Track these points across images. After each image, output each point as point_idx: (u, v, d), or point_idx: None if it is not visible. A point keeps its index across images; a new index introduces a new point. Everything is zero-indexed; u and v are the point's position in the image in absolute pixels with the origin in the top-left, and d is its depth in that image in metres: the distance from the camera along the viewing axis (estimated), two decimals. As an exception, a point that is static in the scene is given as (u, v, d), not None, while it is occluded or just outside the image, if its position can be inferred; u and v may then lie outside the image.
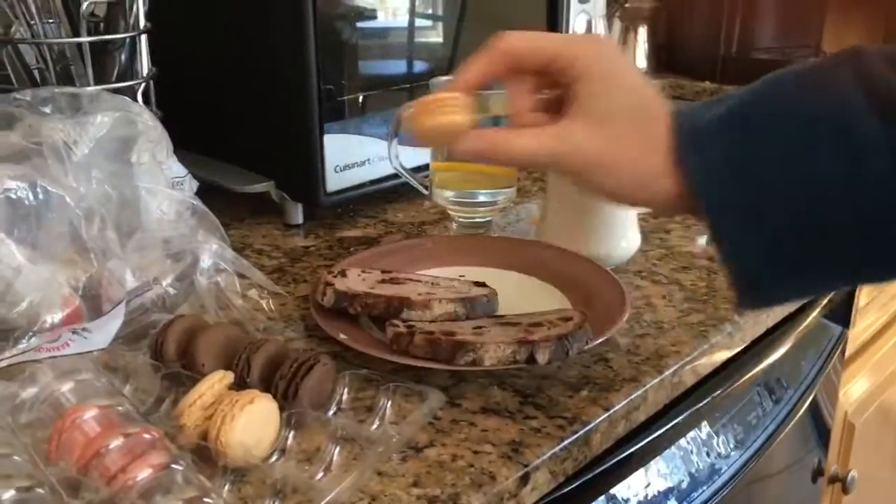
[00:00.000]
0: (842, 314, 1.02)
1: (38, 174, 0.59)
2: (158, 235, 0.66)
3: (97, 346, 0.60)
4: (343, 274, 0.67)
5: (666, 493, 0.68)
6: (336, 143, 0.84)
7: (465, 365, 0.57)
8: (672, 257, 0.81)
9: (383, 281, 0.67)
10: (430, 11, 0.96)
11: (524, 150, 0.50)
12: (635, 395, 0.59)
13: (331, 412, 0.55)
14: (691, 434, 0.71)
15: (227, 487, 0.48)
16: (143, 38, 0.78)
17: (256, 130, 0.88)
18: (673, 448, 0.69)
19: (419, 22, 0.94)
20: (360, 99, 0.87)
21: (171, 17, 0.81)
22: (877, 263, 0.46)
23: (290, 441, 0.51)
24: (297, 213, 0.88)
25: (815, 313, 0.90)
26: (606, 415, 0.57)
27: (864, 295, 1.12)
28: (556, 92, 0.52)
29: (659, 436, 0.66)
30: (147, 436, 0.47)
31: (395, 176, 0.88)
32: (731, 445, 0.76)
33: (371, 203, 0.93)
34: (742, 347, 0.72)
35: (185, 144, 0.75)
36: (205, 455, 0.49)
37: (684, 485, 0.70)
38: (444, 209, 0.88)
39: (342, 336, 0.61)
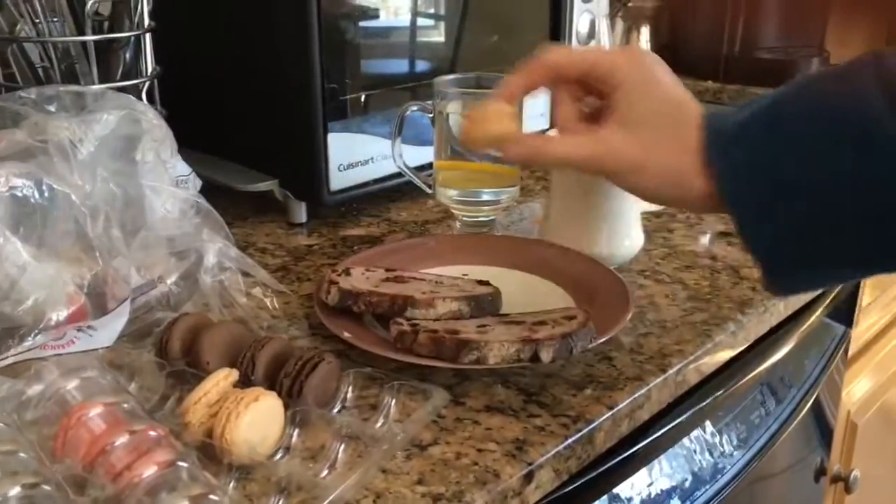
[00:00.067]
0: (845, 313, 1.02)
1: (43, 172, 0.59)
2: (163, 234, 0.66)
3: (102, 344, 0.60)
4: (347, 272, 0.67)
5: (669, 492, 0.68)
6: (339, 142, 0.84)
7: (469, 363, 0.57)
8: (675, 256, 0.81)
9: (387, 279, 0.67)
10: (432, 11, 0.96)
11: (565, 154, 0.56)
12: (639, 393, 0.59)
13: (335, 410, 0.55)
14: (694, 433, 0.71)
15: (232, 485, 0.48)
16: (148, 36, 0.78)
17: (260, 129, 0.89)
18: (676, 447, 0.69)
19: (421, 21, 0.94)
20: (363, 98, 0.87)
21: (176, 15, 0.81)
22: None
23: (294, 439, 0.52)
24: (300, 212, 0.89)
25: (818, 312, 0.90)
26: (610, 413, 0.57)
27: (867, 294, 1.12)
28: (597, 103, 0.56)
29: (662, 435, 0.66)
30: (153, 433, 0.47)
31: (399, 175, 0.88)
32: (734, 444, 0.76)
33: (374, 202, 0.93)
34: (745, 346, 0.72)
35: (189, 143, 0.75)
36: (210, 452, 0.49)
37: (687, 484, 0.70)
38: (447, 208, 0.88)
39: (346, 334, 0.61)
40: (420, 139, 0.88)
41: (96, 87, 0.72)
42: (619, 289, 0.67)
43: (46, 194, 0.59)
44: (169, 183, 0.69)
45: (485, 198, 0.85)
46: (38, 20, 0.73)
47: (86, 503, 0.44)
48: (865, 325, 1.18)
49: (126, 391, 0.53)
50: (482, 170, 0.85)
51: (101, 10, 0.76)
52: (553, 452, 0.53)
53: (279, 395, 0.52)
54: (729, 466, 0.75)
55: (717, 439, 0.74)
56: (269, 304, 0.69)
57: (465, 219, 0.87)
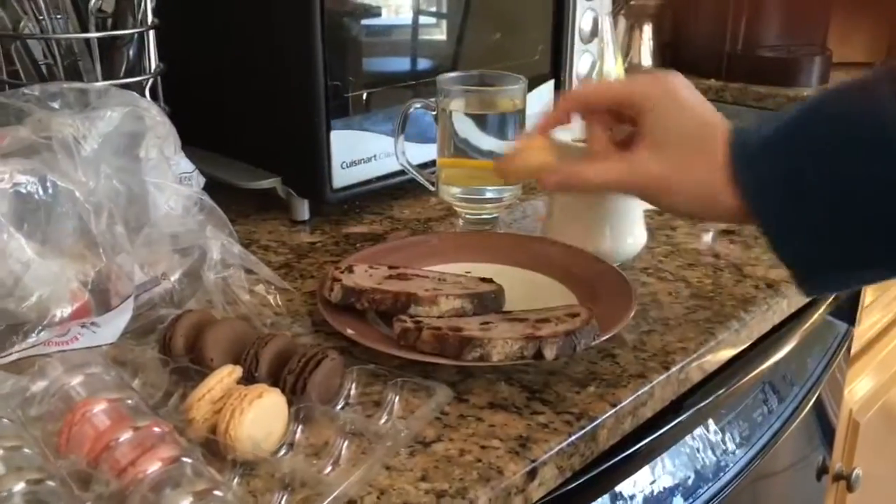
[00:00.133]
0: (847, 312, 1.02)
1: (47, 169, 0.59)
2: (166, 230, 0.66)
3: (106, 341, 0.60)
4: (350, 270, 0.67)
5: (672, 490, 0.68)
6: (342, 140, 0.84)
7: (472, 360, 0.57)
8: (678, 254, 0.81)
9: (390, 277, 0.67)
10: (434, 9, 0.96)
11: (599, 178, 0.59)
12: (642, 391, 0.59)
13: (339, 407, 0.56)
14: (697, 431, 0.71)
15: (235, 481, 0.48)
16: (151, 33, 0.78)
17: (263, 127, 0.89)
18: (679, 445, 0.69)
19: (423, 19, 0.94)
20: (366, 96, 0.87)
21: (179, 14, 0.81)
22: None
23: (298, 435, 0.52)
24: (303, 210, 0.89)
25: (820, 311, 0.90)
26: (613, 410, 0.57)
27: (870, 293, 1.12)
28: (628, 129, 0.60)
29: (665, 432, 0.66)
30: (157, 429, 0.47)
31: (402, 172, 0.88)
32: (737, 442, 0.76)
33: (377, 199, 0.93)
34: (748, 344, 0.72)
35: (192, 140, 0.75)
36: (213, 449, 0.49)
37: (690, 481, 0.70)
38: (450, 206, 0.88)
39: (350, 331, 0.61)
40: (423, 137, 0.88)
41: (100, 84, 0.72)
42: (622, 286, 0.67)
43: (50, 191, 0.59)
44: (172, 180, 0.69)
45: (488, 195, 0.85)
46: (41, 17, 0.73)
47: (90, 499, 0.44)
48: (868, 323, 1.18)
49: (130, 387, 0.53)
50: (485, 167, 0.84)
51: (105, 7, 0.76)
52: (556, 449, 0.53)
53: (283, 391, 0.52)
54: (731, 464, 0.75)
55: (719, 437, 0.74)
56: (272, 301, 0.69)
57: (467, 216, 0.87)
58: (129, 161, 0.65)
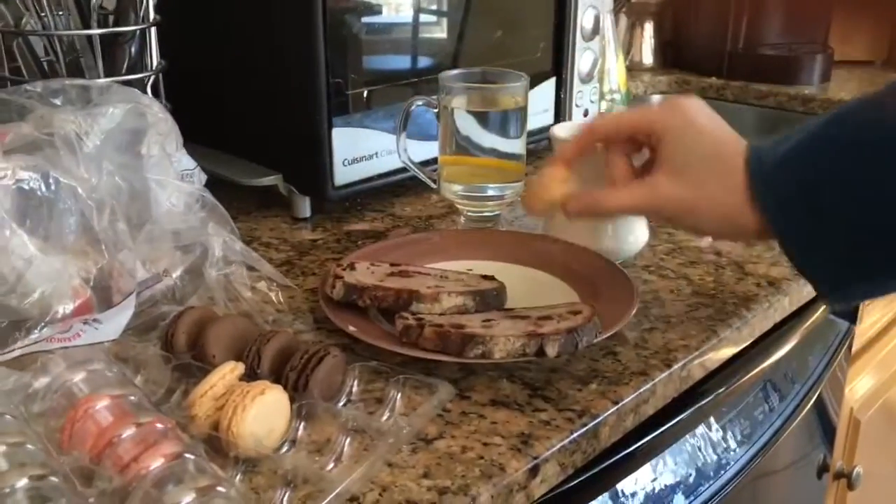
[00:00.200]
0: (848, 310, 1.01)
1: (49, 165, 0.59)
2: (168, 227, 0.67)
3: (108, 337, 0.60)
4: (352, 267, 0.67)
5: (673, 488, 0.68)
6: (344, 137, 0.84)
7: (474, 357, 0.57)
8: (680, 252, 0.81)
9: (392, 274, 0.67)
10: (435, 7, 0.96)
11: (620, 203, 0.61)
12: (644, 388, 0.59)
13: (341, 404, 0.56)
14: (698, 429, 0.71)
15: (238, 477, 0.48)
16: (153, 30, 0.78)
17: (264, 124, 0.89)
18: (680, 443, 0.69)
19: (424, 17, 0.94)
20: (367, 93, 0.87)
21: (181, 10, 0.81)
22: None
23: (300, 432, 0.52)
24: (304, 207, 0.89)
25: (822, 309, 0.90)
26: (615, 408, 0.57)
27: (870, 291, 1.12)
28: (647, 156, 0.61)
29: (666, 430, 0.66)
30: (159, 425, 0.47)
31: (403, 170, 0.88)
32: (738, 440, 0.76)
33: (379, 197, 0.93)
34: (749, 342, 0.73)
35: (194, 137, 0.75)
36: (216, 445, 0.49)
37: (691, 479, 0.70)
38: (452, 203, 0.88)
39: (352, 328, 0.61)
40: (424, 134, 0.88)
41: (102, 80, 0.72)
42: (623, 284, 0.67)
43: (52, 187, 0.59)
44: (174, 177, 0.69)
45: (489, 193, 0.85)
46: (43, 14, 0.73)
47: (93, 495, 0.44)
48: (869, 322, 1.18)
49: (132, 384, 0.53)
50: (487, 165, 0.85)
51: (106, 3, 0.76)
52: (558, 447, 0.53)
53: (285, 388, 0.52)
54: (732, 462, 0.75)
55: (720, 435, 0.74)
56: (274, 298, 0.69)
57: (469, 214, 0.87)
58: (130, 158, 0.65)
